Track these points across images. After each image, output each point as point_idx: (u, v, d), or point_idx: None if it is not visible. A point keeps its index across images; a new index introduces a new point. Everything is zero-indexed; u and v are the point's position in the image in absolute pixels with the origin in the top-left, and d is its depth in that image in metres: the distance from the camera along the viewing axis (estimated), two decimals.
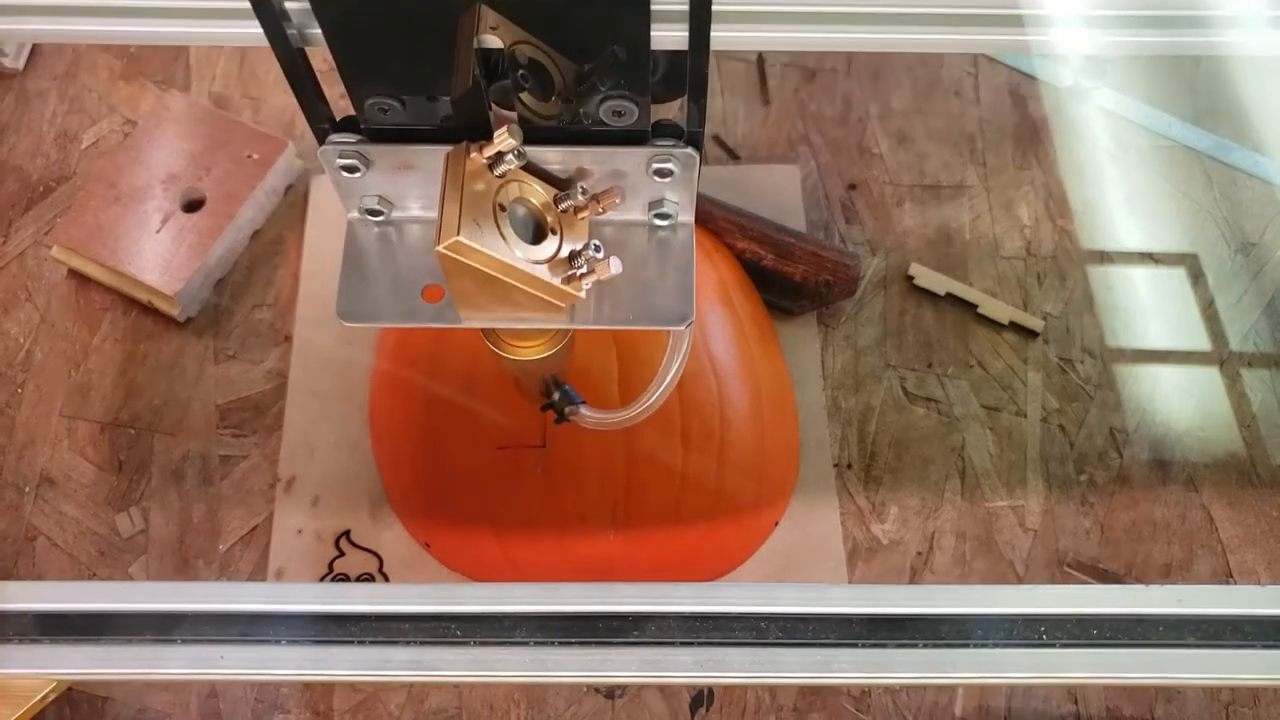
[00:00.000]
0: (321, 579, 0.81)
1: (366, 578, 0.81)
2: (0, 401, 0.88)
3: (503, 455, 0.79)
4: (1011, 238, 0.95)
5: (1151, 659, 0.58)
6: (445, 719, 0.77)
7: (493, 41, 0.41)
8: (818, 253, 0.88)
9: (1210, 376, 0.90)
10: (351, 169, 0.47)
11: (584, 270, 0.46)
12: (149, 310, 0.91)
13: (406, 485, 0.83)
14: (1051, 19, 0.42)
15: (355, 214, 0.51)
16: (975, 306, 0.91)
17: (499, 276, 0.45)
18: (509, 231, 0.45)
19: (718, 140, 1.00)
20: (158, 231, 0.90)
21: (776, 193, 0.97)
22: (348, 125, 0.47)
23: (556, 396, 0.63)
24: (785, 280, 0.88)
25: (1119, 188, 0.98)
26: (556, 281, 0.46)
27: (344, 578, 0.81)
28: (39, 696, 0.61)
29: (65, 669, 0.59)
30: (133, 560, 0.82)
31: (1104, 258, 0.95)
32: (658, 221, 0.51)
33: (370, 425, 0.86)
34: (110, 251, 0.89)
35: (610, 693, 0.78)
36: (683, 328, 0.50)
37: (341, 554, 0.82)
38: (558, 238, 0.47)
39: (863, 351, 0.90)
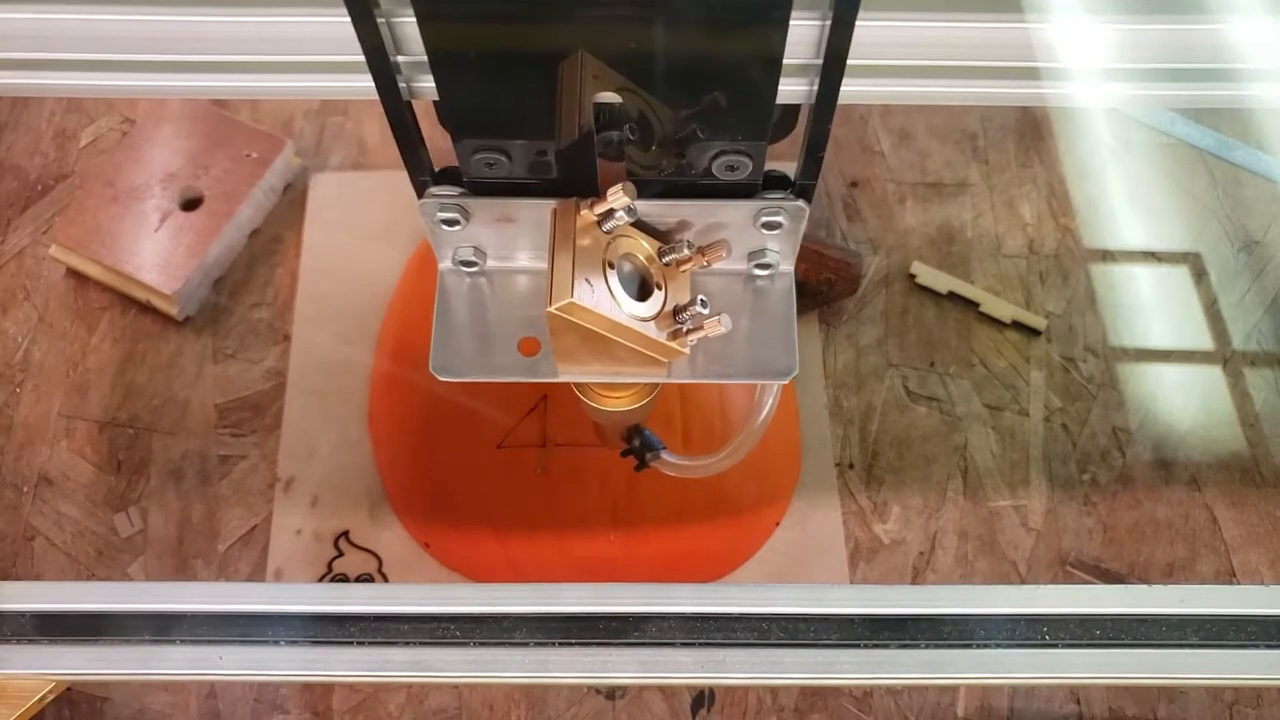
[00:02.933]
0: (320, 579, 0.81)
1: (366, 578, 0.81)
2: None
3: (503, 455, 0.79)
4: (1014, 236, 0.95)
5: (1154, 659, 0.58)
6: (445, 719, 0.77)
7: (607, 96, 0.40)
8: (820, 251, 0.88)
9: (1213, 375, 0.90)
10: (452, 222, 0.46)
11: (690, 326, 0.45)
12: (147, 309, 0.91)
13: (406, 485, 0.83)
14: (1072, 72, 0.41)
15: (448, 264, 0.50)
16: (977, 305, 0.91)
17: (606, 335, 0.44)
18: (617, 289, 0.44)
19: None
20: (156, 230, 0.89)
21: None
22: (448, 177, 0.46)
23: (637, 443, 0.62)
24: None
25: (1121, 186, 0.98)
26: (662, 338, 0.45)
27: (343, 578, 0.81)
28: (38, 697, 0.60)
29: (64, 669, 0.59)
30: (131, 560, 0.82)
31: (1107, 256, 0.94)
32: (758, 271, 0.49)
33: (370, 425, 0.86)
34: (109, 250, 0.88)
35: (611, 693, 0.77)
36: (785, 381, 0.49)
37: (340, 554, 0.82)
38: (663, 293, 0.46)
39: (864, 350, 0.90)
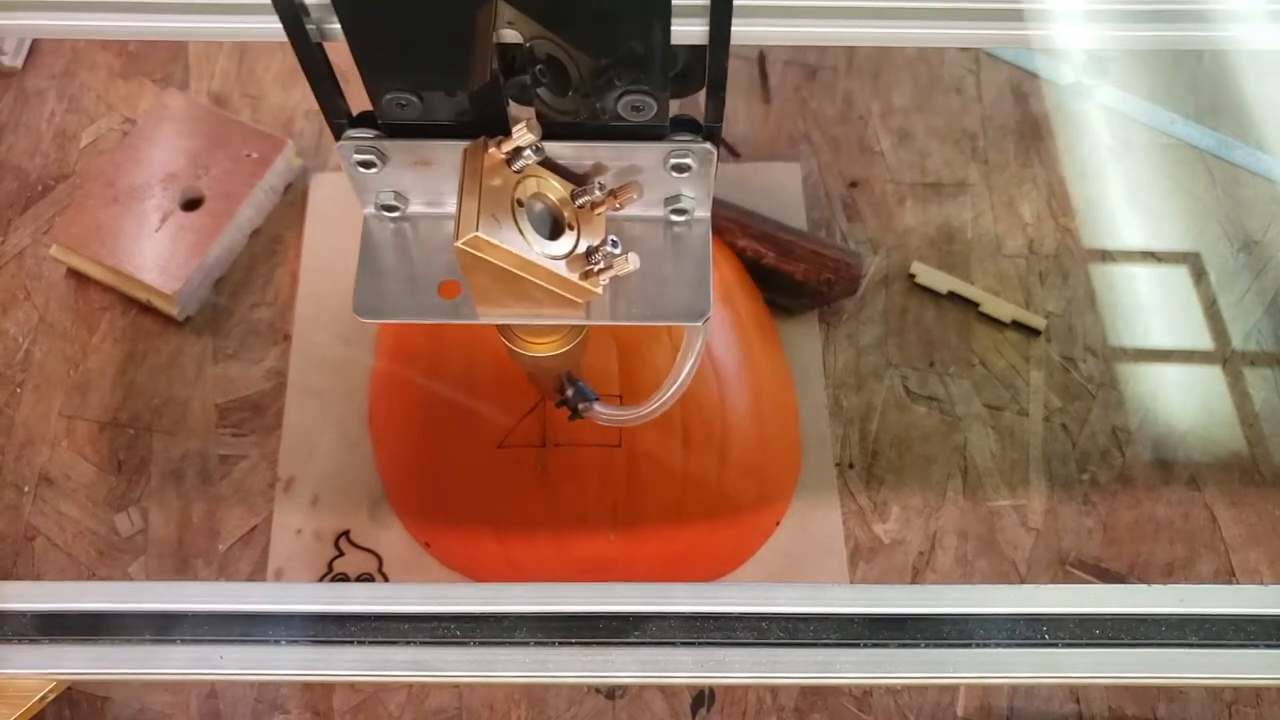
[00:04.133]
0: (321, 579, 0.81)
1: (366, 578, 0.81)
2: None
3: (503, 455, 0.79)
4: (1013, 236, 0.95)
5: (1154, 659, 0.58)
6: (445, 719, 0.77)
7: (511, 36, 0.41)
8: (819, 251, 0.88)
9: (1213, 375, 0.90)
10: (368, 164, 0.47)
11: (601, 266, 0.46)
12: (148, 309, 0.91)
13: (406, 485, 0.83)
14: (1053, 14, 0.42)
15: (371, 210, 0.50)
16: (977, 305, 0.91)
17: (517, 272, 0.45)
18: (527, 227, 0.44)
19: None
20: (156, 230, 0.89)
21: (778, 191, 0.96)
22: (365, 121, 0.47)
23: (570, 393, 0.63)
24: (786, 279, 0.88)
25: (1121, 185, 0.98)
26: (574, 277, 0.46)
27: (343, 578, 0.81)
28: (38, 696, 0.60)
29: (64, 669, 0.59)
30: (132, 560, 0.82)
31: (1106, 256, 0.95)
32: (674, 217, 0.50)
33: (370, 425, 0.86)
34: (109, 250, 0.88)
35: (611, 693, 0.77)
36: (699, 324, 0.50)
37: (341, 554, 0.82)
38: (575, 233, 0.47)
39: (864, 350, 0.90)
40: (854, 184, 0.97)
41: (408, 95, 0.44)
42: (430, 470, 0.82)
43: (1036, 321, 0.90)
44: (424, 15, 0.40)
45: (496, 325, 0.54)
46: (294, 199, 0.96)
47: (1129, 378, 0.89)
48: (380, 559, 0.82)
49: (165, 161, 0.92)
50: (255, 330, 0.90)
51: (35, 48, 1.04)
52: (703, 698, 0.77)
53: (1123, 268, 0.94)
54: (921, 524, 0.83)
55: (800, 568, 0.81)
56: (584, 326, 0.55)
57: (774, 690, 0.77)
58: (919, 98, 1.02)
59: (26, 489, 0.84)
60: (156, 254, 0.88)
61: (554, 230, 0.46)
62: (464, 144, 0.45)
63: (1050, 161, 0.99)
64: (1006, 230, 0.95)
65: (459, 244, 0.43)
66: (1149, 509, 0.84)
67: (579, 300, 0.47)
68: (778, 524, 0.83)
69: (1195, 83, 1.03)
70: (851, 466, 0.85)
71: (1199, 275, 0.94)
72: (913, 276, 0.92)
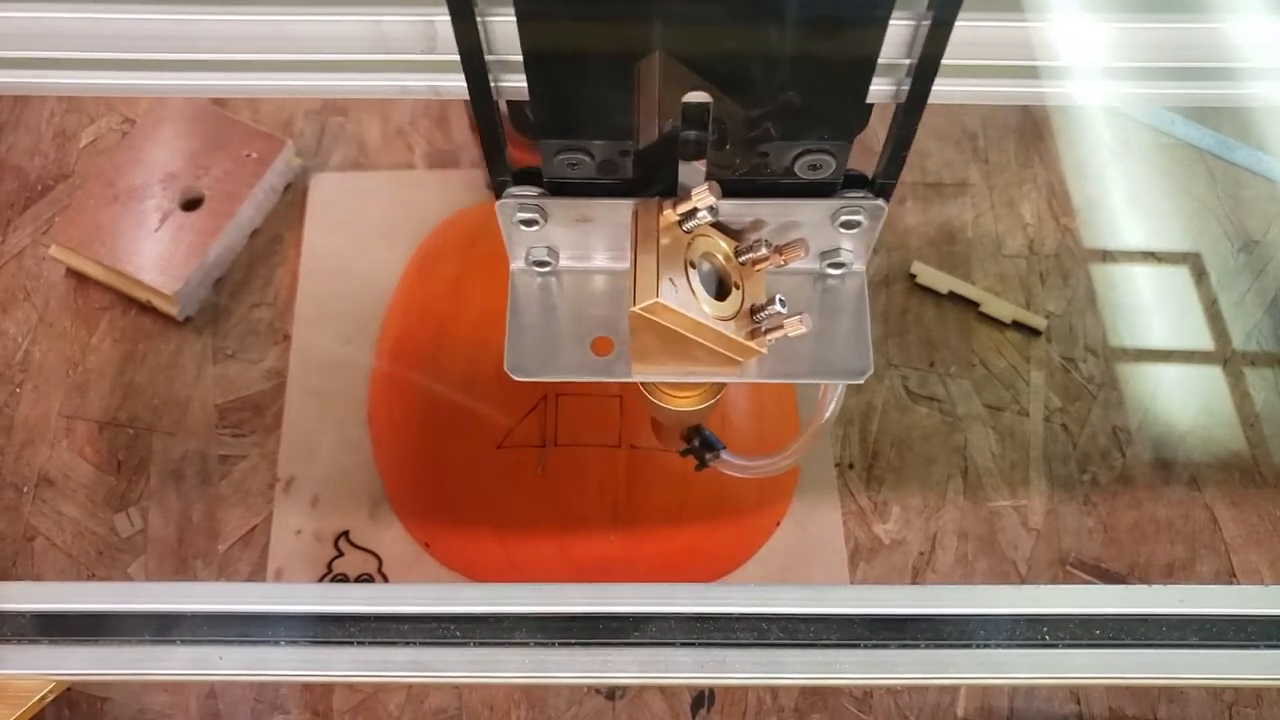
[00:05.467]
0: (321, 579, 0.81)
1: (366, 578, 0.81)
2: None
3: (503, 455, 0.79)
4: (1014, 236, 0.95)
5: (1154, 659, 0.58)
6: (445, 719, 0.77)
7: (697, 97, 0.39)
8: None
9: (1213, 375, 0.90)
10: (530, 223, 0.46)
11: (768, 326, 0.44)
12: (148, 309, 0.91)
13: (406, 485, 0.83)
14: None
15: (520, 264, 0.49)
16: (978, 305, 0.91)
17: (687, 334, 0.44)
18: (698, 289, 0.43)
19: None
20: (156, 230, 0.89)
21: None
22: (527, 178, 0.45)
23: (697, 443, 0.62)
24: None
25: (1121, 186, 0.98)
26: (740, 338, 0.44)
27: (343, 578, 0.81)
28: (38, 697, 0.60)
29: (64, 669, 0.59)
30: (131, 560, 0.82)
31: (1107, 256, 0.94)
32: (830, 270, 0.49)
33: (369, 425, 0.86)
34: (109, 250, 0.88)
35: (611, 693, 0.77)
36: (861, 381, 0.49)
37: (341, 554, 0.82)
38: (740, 292, 0.45)
39: None
40: None
41: (579, 155, 0.42)
42: (430, 470, 0.82)
43: (1037, 322, 0.90)
44: (610, 74, 0.39)
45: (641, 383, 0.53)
46: (294, 199, 0.96)
47: (1129, 378, 0.89)
48: (380, 559, 0.82)
49: (165, 161, 0.92)
50: (255, 330, 0.90)
51: None
52: (703, 698, 0.77)
53: (1123, 268, 0.94)
54: (922, 524, 0.83)
55: (800, 568, 0.81)
56: (725, 382, 0.54)
57: (774, 691, 0.77)
58: None
59: (26, 489, 0.84)
60: (156, 254, 0.88)
61: (720, 289, 0.45)
62: (628, 202, 0.44)
63: (1051, 161, 0.99)
64: (1007, 230, 0.95)
65: (637, 309, 0.42)
66: (1149, 509, 0.84)
67: (741, 359, 0.46)
68: (778, 524, 0.83)
69: None
70: (851, 467, 0.85)
71: (1199, 275, 0.94)
72: (913, 276, 0.92)
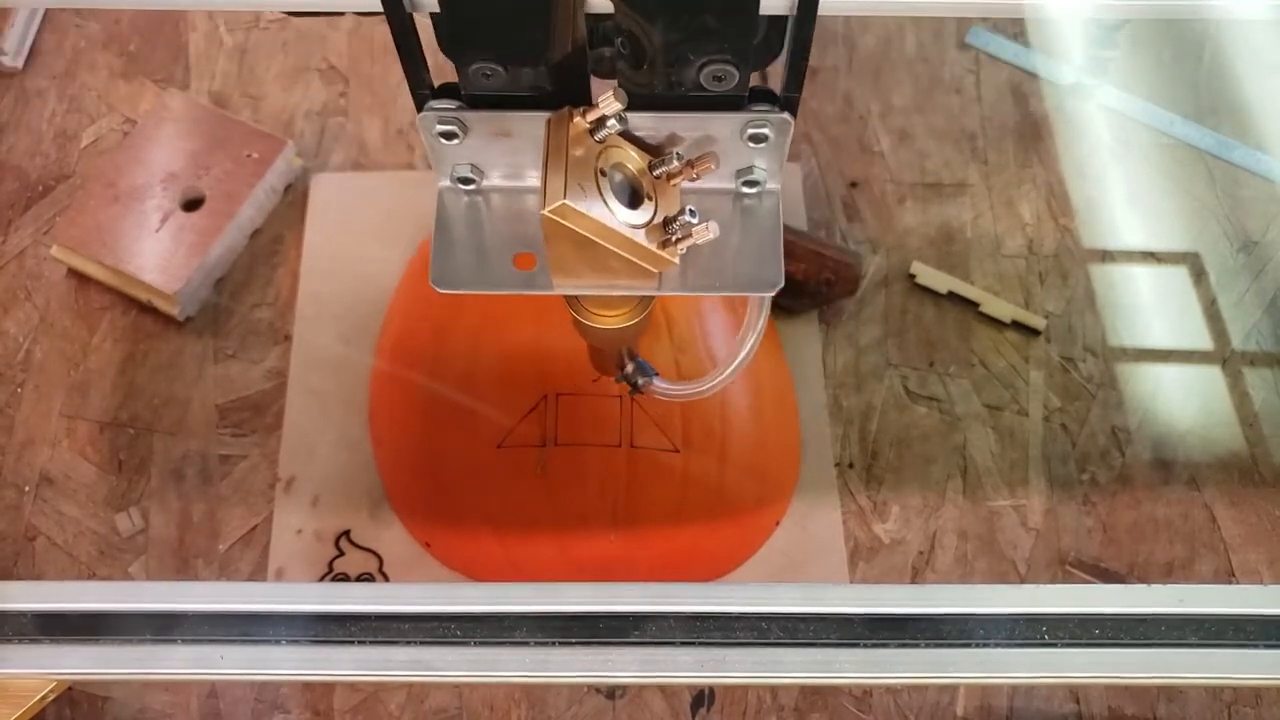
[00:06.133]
0: (321, 579, 0.81)
1: (366, 577, 0.81)
2: (0, 401, 0.88)
3: (503, 455, 0.79)
4: (1013, 236, 0.95)
5: (1153, 659, 0.58)
6: (445, 719, 0.77)
7: (601, 6, 0.41)
8: (819, 251, 0.88)
9: (1212, 375, 0.90)
10: (450, 135, 0.48)
11: (680, 235, 0.46)
12: (148, 310, 0.91)
13: (406, 485, 0.83)
14: None
15: (446, 183, 0.51)
16: (977, 305, 0.91)
17: (598, 241, 0.45)
18: (609, 197, 0.45)
19: None
20: (157, 231, 0.89)
21: None
22: (447, 92, 0.47)
23: (631, 369, 0.63)
24: (786, 279, 0.88)
25: (1121, 186, 0.98)
26: (653, 246, 0.46)
27: (344, 577, 0.81)
28: (39, 696, 0.60)
29: (65, 669, 0.59)
30: (132, 560, 0.82)
31: (1106, 256, 0.95)
32: (745, 189, 0.51)
33: (370, 425, 0.86)
34: (110, 251, 0.88)
35: (611, 693, 0.77)
36: (769, 294, 0.50)
37: (341, 553, 0.82)
38: (653, 203, 0.47)
39: (864, 350, 0.90)
40: (854, 184, 0.97)
41: (493, 65, 0.44)
42: (430, 470, 0.82)
43: (1036, 321, 0.90)
44: None
45: (566, 298, 0.55)
46: (294, 199, 0.96)
47: (1129, 378, 0.89)
48: (381, 559, 0.82)
49: (166, 162, 0.92)
50: (256, 330, 0.90)
51: (36, 48, 1.04)
52: (703, 697, 0.77)
53: (1122, 268, 0.94)
54: (921, 524, 0.83)
55: (800, 567, 0.81)
56: (651, 301, 0.56)
57: (774, 690, 0.77)
58: (919, 98, 1.02)
59: (27, 489, 0.84)
60: (157, 254, 0.88)
61: (633, 200, 0.47)
62: (545, 115, 0.46)
63: (1050, 162, 0.99)
64: (1006, 230, 0.95)
65: (546, 211, 0.43)
66: (1148, 509, 0.84)
67: (655, 270, 0.48)
68: (778, 524, 0.83)
69: (1195, 83, 1.03)
70: (851, 466, 0.85)
71: (1199, 275, 0.94)
72: (912, 276, 0.92)
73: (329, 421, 0.86)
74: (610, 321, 0.56)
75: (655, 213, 0.47)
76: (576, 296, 0.55)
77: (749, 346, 0.56)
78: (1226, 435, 0.87)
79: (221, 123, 0.95)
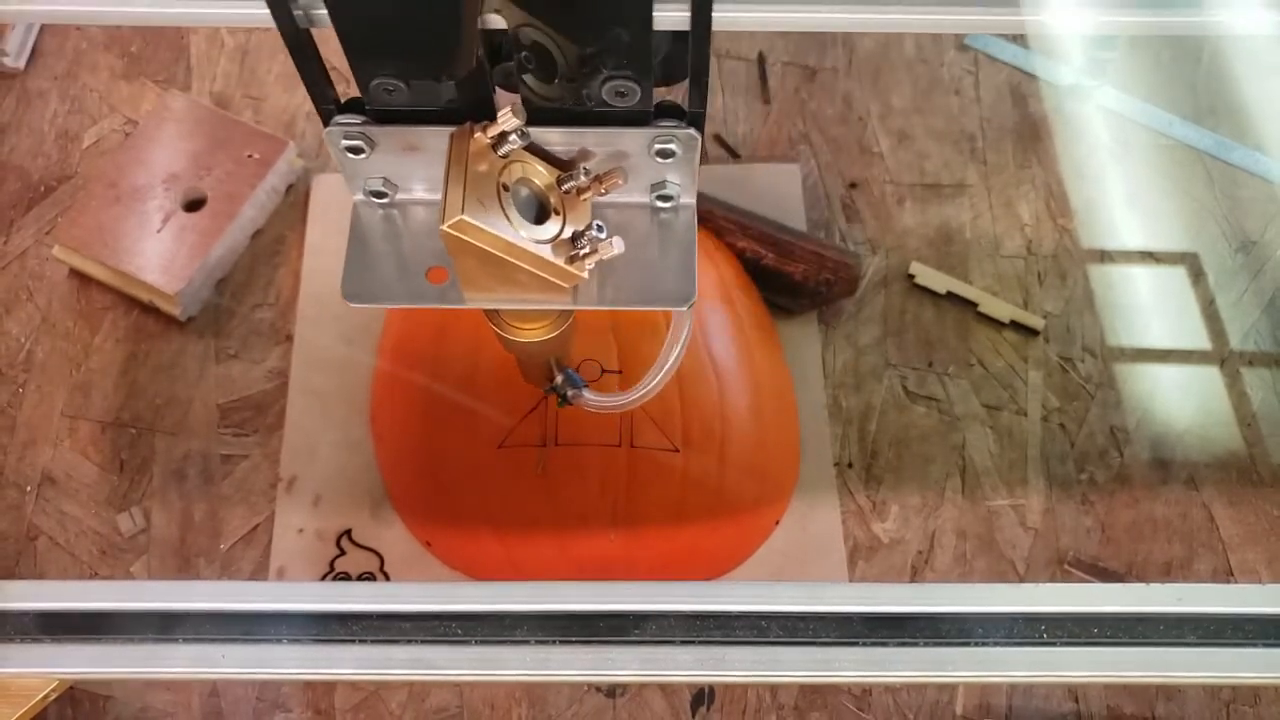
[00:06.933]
0: (323, 578, 0.81)
1: (367, 576, 0.81)
2: (1, 401, 0.88)
3: (503, 455, 0.80)
4: (1012, 236, 0.95)
5: (1152, 657, 0.58)
6: (446, 718, 0.77)
7: (496, 22, 0.41)
8: (818, 251, 0.88)
9: (1211, 375, 0.90)
10: (356, 150, 0.48)
11: (586, 250, 0.46)
12: (150, 310, 0.91)
13: (407, 484, 0.83)
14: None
15: (360, 196, 0.51)
16: (976, 305, 0.92)
17: (502, 256, 0.45)
18: (512, 212, 0.45)
19: (718, 139, 1.00)
20: (159, 231, 0.90)
21: (777, 192, 0.97)
22: (353, 106, 0.47)
23: (560, 380, 0.63)
24: (786, 279, 0.88)
25: (1120, 186, 0.98)
26: (560, 261, 0.46)
27: (345, 576, 0.81)
28: (40, 696, 0.61)
29: (66, 668, 0.59)
30: (134, 559, 0.82)
31: (1104, 256, 0.95)
32: (659, 204, 0.51)
33: (371, 425, 0.86)
34: (111, 251, 0.89)
35: (611, 691, 0.78)
36: (685, 309, 0.51)
37: (342, 553, 0.82)
38: (561, 218, 0.47)
39: (863, 350, 0.90)
40: (853, 185, 0.98)
41: (395, 81, 0.44)
42: (431, 470, 0.82)
43: (1035, 322, 0.91)
44: (410, 1, 0.40)
45: (485, 312, 0.55)
46: (296, 200, 0.96)
47: (1127, 378, 0.89)
48: (382, 558, 0.82)
49: (167, 162, 0.92)
50: (257, 330, 0.91)
51: (38, 49, 1.04)
52: (703, 696, 0.78)
53: (1121, 268, 0.94)
54: (920, 523, 0.84)
55: (800, 567, 0.82)
56: (572, 313, 0.56)
57: (774, 689, 0.78)
58: (918, 99, 1.02)
59: (29, 489, 0.85)
60: (159, 254, 0.88)
61: (540, 215, 0.47)
62: (452, 129, 0.46)
63: (1049, 162, 0.99)
64: (1005, 231, 0.96)
65: (444, 227, 0.43)
66: (1147, 508, 0.84)
67: (564, 284, 0.48)
68: (777, 523, 0.83)
69: (1194, 84, 1.03)
70: (850, 466, 0.86)
71: (1197, 275, 0.94)
72: (911, 277, 0.93)
73: (330, 421, 0.86)
74: (530, 335, 0.56)
75: (563, 227, 0.47)
76: (496, 310, 0.55)
77: (674, 357, 0.56)
78: (1225, 435, 0.87)
79: (223, 123, 0.95)
